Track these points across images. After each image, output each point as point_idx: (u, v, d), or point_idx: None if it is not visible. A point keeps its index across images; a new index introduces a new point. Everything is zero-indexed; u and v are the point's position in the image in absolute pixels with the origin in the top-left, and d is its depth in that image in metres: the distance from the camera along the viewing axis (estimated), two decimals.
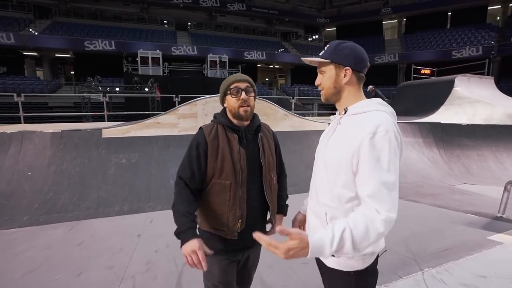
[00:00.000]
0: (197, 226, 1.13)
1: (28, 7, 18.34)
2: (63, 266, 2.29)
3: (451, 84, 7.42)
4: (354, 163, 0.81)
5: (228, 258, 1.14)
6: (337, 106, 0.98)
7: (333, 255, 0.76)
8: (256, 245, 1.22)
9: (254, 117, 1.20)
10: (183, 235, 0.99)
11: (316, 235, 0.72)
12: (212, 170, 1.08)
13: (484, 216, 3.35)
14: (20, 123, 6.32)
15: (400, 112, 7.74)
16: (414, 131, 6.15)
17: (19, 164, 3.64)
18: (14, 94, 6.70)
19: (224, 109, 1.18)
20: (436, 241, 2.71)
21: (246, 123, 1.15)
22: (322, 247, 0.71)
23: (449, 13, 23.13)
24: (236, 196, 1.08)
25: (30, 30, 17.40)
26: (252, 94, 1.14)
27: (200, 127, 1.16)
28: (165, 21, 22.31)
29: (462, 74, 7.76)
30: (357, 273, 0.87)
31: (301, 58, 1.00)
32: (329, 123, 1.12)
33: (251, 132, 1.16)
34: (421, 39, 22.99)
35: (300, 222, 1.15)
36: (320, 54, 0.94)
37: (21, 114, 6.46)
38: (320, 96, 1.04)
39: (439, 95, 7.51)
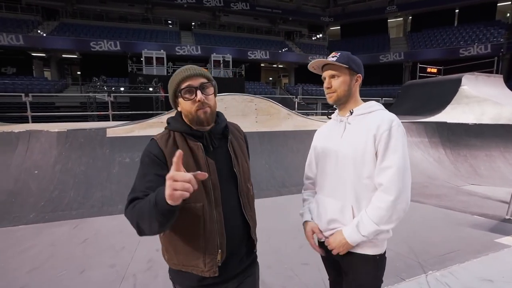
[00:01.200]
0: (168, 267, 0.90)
1: (36, 9, 18.67)
2: (67, 263, 2.33)
3: (458, 83, 7.28)
4: (374, 153, 0.95)
5: None
6: (341, 107, 1.07)
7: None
8: (248, 271, 0.97)
9: (219, 116, 0.96)
10: (158, 195, 0.68)
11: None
12: None
13: (491, 218, 3.28)
14: (28, 122, 6.44)
15: (405, 111, 7.73)
16: (419, 131, 6.05)
17: (26, 163, 3.71)
18: (22, 94, 6.83)
19: (179, 113, 0.92)
20: (440, 243, 2.66)
21: (209, 127, 0.91)
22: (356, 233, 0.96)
23: (457, 10, 22.73)
24: (212, 220, 0.85)
25: (38, 31, 17.71)
26: (211, 91, 0.89)
27: (152, 138, 0.92)
28: (169, 21, 22.44)
29: (469, 72, 7.61)
30: (380, 256, 1.01)
31: (316, 60, 1.04)
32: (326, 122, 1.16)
33: (217, 136, 0.92)
34: (427, 37, 22.63)
35: (313, 231, 1.11)
36: (334, 59, 1.00)
37: (29, 113, 6.58)
38: (324, 96, 1.07)
39: (445, 94, 7.37)
